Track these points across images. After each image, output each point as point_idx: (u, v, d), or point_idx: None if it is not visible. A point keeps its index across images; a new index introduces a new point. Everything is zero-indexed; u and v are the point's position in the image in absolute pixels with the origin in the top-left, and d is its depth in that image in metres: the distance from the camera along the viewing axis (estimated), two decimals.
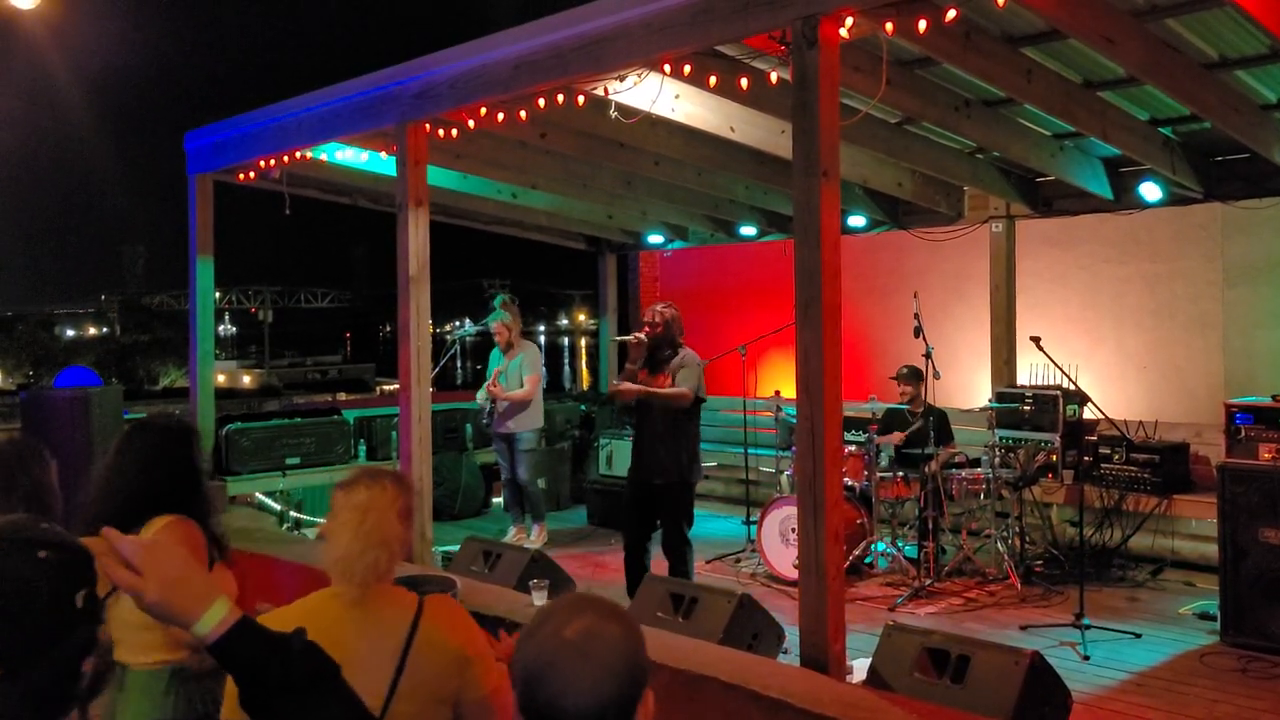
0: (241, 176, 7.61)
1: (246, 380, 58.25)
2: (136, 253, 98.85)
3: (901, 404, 7.37)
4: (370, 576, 2.24)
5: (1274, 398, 5.58)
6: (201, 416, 7.79)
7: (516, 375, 7.94)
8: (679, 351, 5.89)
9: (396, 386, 6.12)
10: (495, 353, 8.16)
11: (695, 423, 5.95)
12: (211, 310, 8.04)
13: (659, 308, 5.96)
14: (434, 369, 6.61)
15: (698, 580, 5.92)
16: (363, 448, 8.97)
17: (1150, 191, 7.38)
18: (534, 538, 8.00)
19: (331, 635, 2.14)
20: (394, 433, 8.61)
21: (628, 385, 5.82)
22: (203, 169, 7.68)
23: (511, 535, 8.13)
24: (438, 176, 7.63)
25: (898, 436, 7.14)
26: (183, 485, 2.87)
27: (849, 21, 4.05)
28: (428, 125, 5.91)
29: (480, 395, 8.18)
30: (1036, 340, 6.02)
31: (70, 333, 68.44)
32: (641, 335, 5.86)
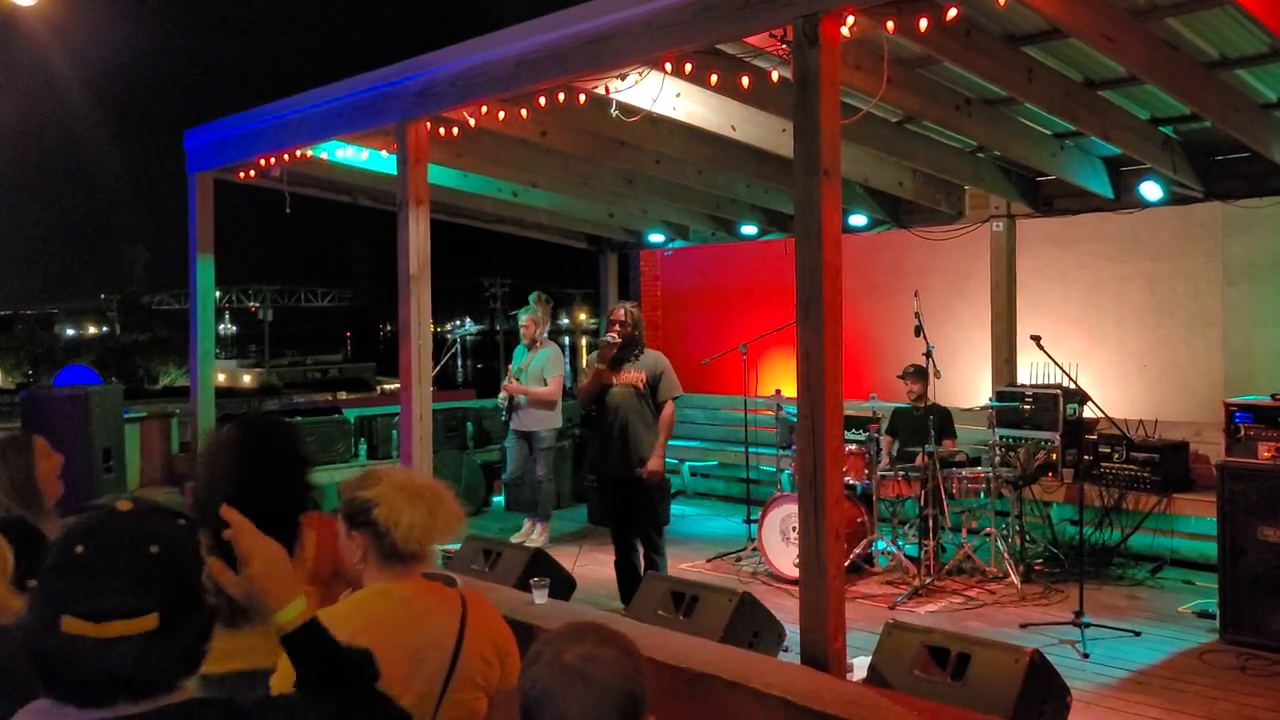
0: (242, 175, 7.61)
1: (247, 379, 58.23)
2: (136, 252, 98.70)
3: (907, 403, 7.40)
4: (446, 536, 2.33)
5: (1274, 396, 5.58)
6: (201, 416, 7.79)
7: (538, 373, 7.99)
8: (643, 350, 5.96)
9: (397, 385, 6.12)
10: (519, 350, 8.22)
11: None
12: (212, 309, 8.04)
13: (628, 306, 6.05)
14: (434, 368, 6.62)
15: (698, 579, 5.92)
16: (363, 446, 8.98)
17: (1151, 190, 7.38)
18: (536, 536, 8.02)
19: (395, 627, 2.22)
20: (395, 431, 8.62)
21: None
22: (203, 167, 7.68)
23: (524, 531, 8.18)
24: (438, 175, 7.63)
25: (888, 443, 7.14)
26: (298, 479, 2.88)
27: (850, 20, 4.06)
28: (429, 123, 5.91)
29: (501, 396, 8.26)
30: (1037, 339, 6.02)
31: (70, 331, 68.37)
32: (614, 336, 5.88)
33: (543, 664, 1.41)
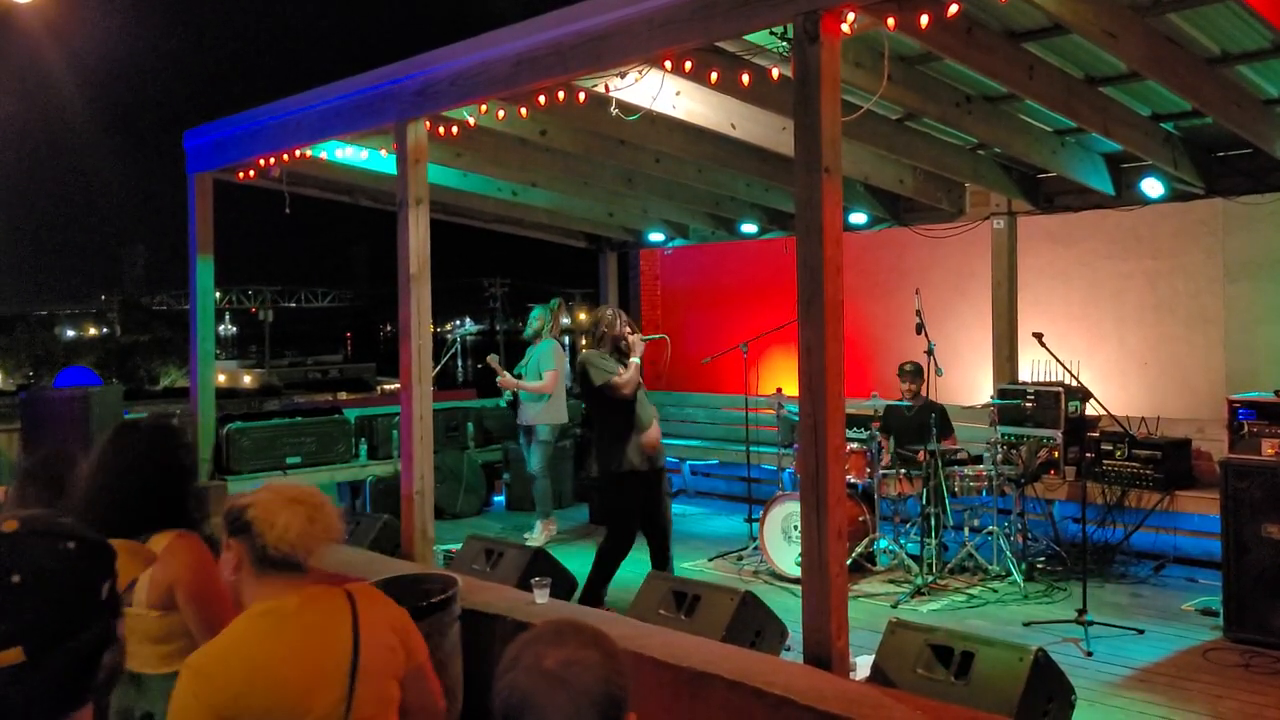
0: (241, 175, 7.60)
1: (247, 380, 58.26)
2: (136, 253, 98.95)
3: (901, 400, 7.38)
4: (321, 541, 2.28)
5: (1276, 393, 5.57)
6: (202, 416, 7.78)
7: (535, 368, 8.13)
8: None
9: (397, 385, 6.11)
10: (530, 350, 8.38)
11: None
12: (212, 310, 8.03)
13: (620, 312, 6.21)
14: (435, 368, 6.61)
15: (699, 578, 5.91)
16: (364, 447, 8.97)
17: (1152, 187, 7.37)
18: (537, 532, 8.04)
19: (280, 650, 2.16)
20: (395, 431, 8.61)
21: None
22: (202, 168, 7.67)
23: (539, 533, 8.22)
24: (438, 174, 7.62)
25: (885, 443, 7.15)
26: (171, 489, 2.84)
27: (850, 17, 4.04)
28: (428, 123, 5.90)
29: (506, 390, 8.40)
30: (1039, 336, 6.01)
31: (70, 333, 68.42)
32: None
33: (521, 669, 1.38)
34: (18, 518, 1.37)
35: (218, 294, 8.77)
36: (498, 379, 8.15)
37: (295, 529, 2.24)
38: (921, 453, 6.65)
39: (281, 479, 2.57)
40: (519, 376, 8.19)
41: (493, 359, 8.28)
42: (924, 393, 7.31)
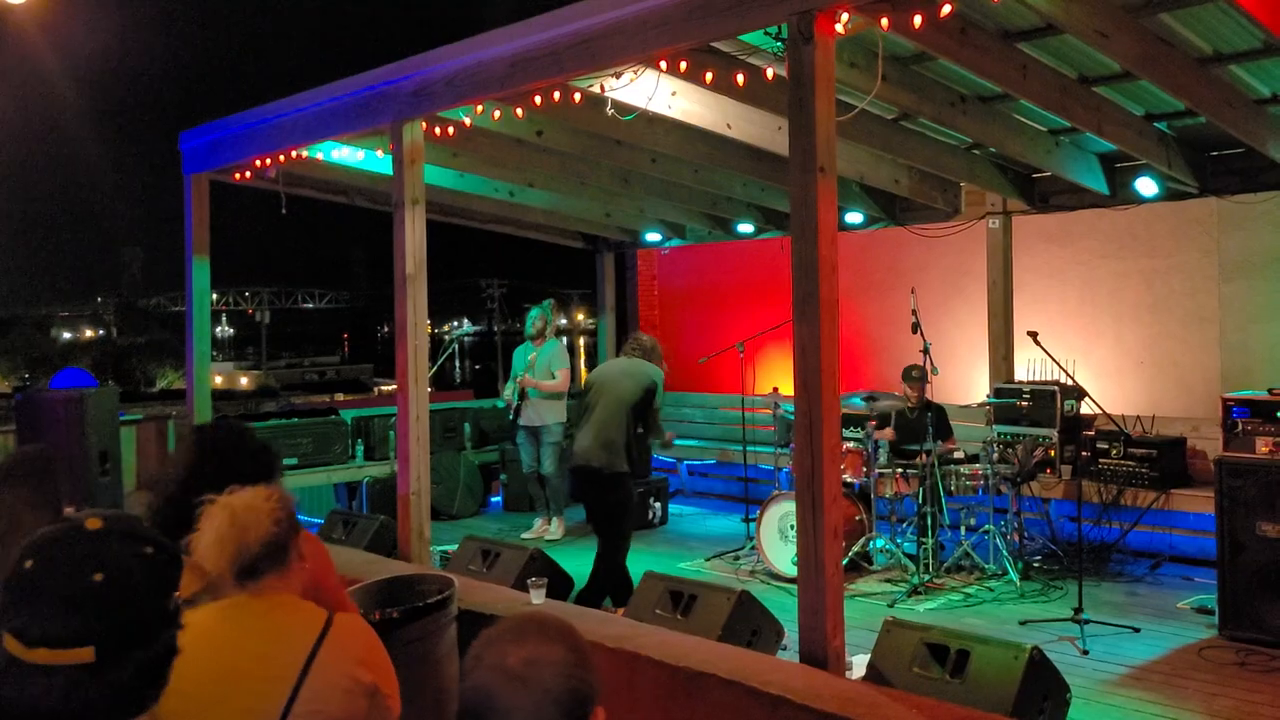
0: (237, 176, 7.60)
1: (244, 381, 58.26)
2: (133, 254, 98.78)
3: (898, 402, 7.38)
4: (233, 567, 2.14)
5: (1270, 391, 5.58)
6: (198, 418, 7.78)
7: (545, 368, 8.15)
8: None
9: (395, 387, 6.12)
10: (519, 352, 8.40)
11: None
12: (208, 311, 8.03)
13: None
14: (432, 368, 6.62)
15: (696, 577, 5.91)
16: (360, 448, 8.97)
17: (1146, 187, 7.38)
18: (555, 529, 8.11)
19: (224, 646, 2.06)
20: (392, 432, 8.61)
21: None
22: (198, 169, 7.68)
23: (537, 528, 8.23)
24: (434, 175, 7.62)
25: (888, 433, 7.17)
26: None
27: (844, 17, 4.05)
28: (424, 123, 5.90)
29: (507, 390, 8.38)
30: (1034, 335, 6.03)
31: (66, 335, 68.33)
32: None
33: (484, 668, 1.37)
34: (102, 516, 1.36)
35: (214, 295, 8.72)
36: (518, 379, 8.14)
37: (206, 549, 2.14)
38: (922, 455, 6.64)
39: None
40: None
41: (521, 379, 8.18)
42: (924, 395, 7.30)
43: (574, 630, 1.44)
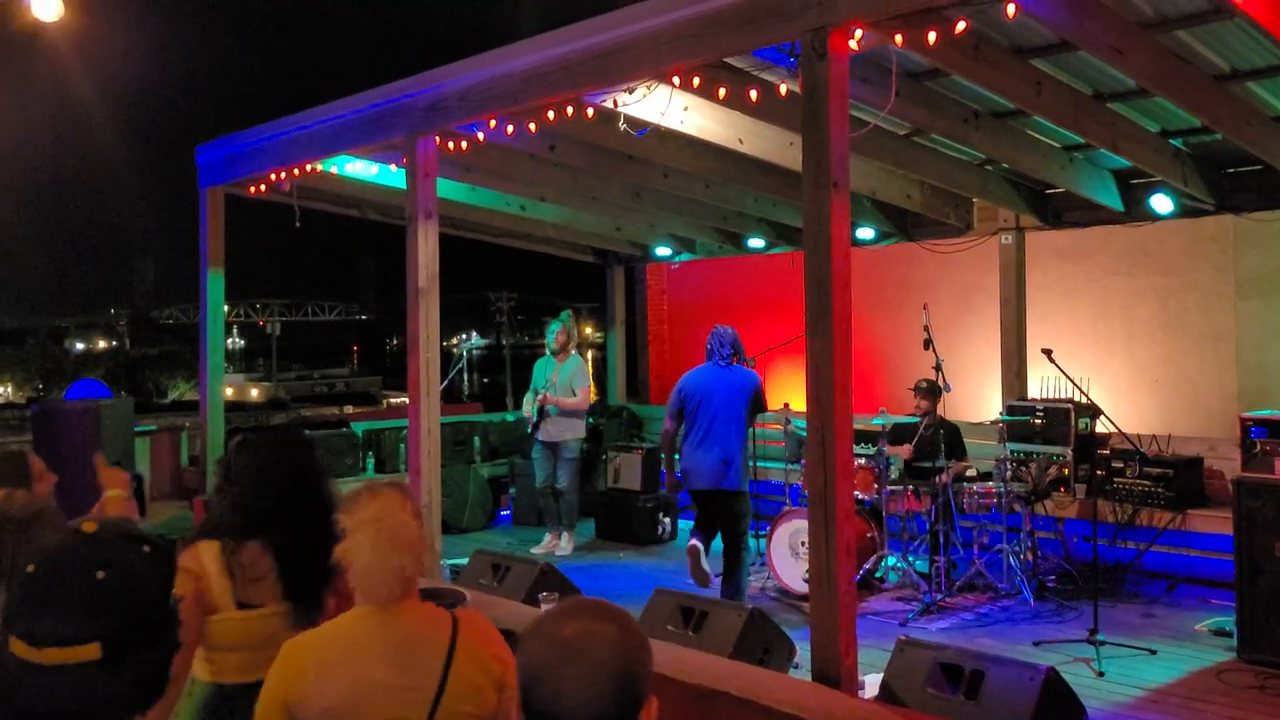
0: (252, 189, 7.64)
1: (254, 393, 58.42)
2: (146, 266, 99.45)
3: (912, 417, 7.34)
4: (397, 587, 2.17)
5: None
6: (210, 429, 7.80)
7: (566, 384, 8.13)
8: None
9: (404, 399, 6.11)
10: (540, 365, 8.37)
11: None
12: (221, 323, 8.06)
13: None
14: (442, 382, 6.61)
15: (707, 594, 5.88)
16: (371, 460, 8.96)
17: (1161, 203, 7.35)
18: (564, 545, 8.13)
19: (363, 659, 2.12)
20: (402, 445, 8.61)
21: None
22: (214, 182, 7.72)
23: (547, 542, 8.20)
24: (447, 189, 7.64)
25: (906, 449, 7.13)
26: (308, 491, 2.79)
27: (858, 33, 4.04)
28: (437, 138, 5.92)
29: (526, 404, 8.33)
30: (1048, 353, 5.99)
31: (80, 346, 68.65)
32: None
33: (539, 639, 1.38)
34: (96, 520, 1.40)
35: (226, 307, 8.74)
36: (538, 394, 8.11)
37: (367, 574, 2.15)
38: (940, 476, 6.55)
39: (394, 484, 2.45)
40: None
41: (542, 396, 8.16)
42: (938, 411, 7.23)
43: (631, 617, 1.45)
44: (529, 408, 8.26)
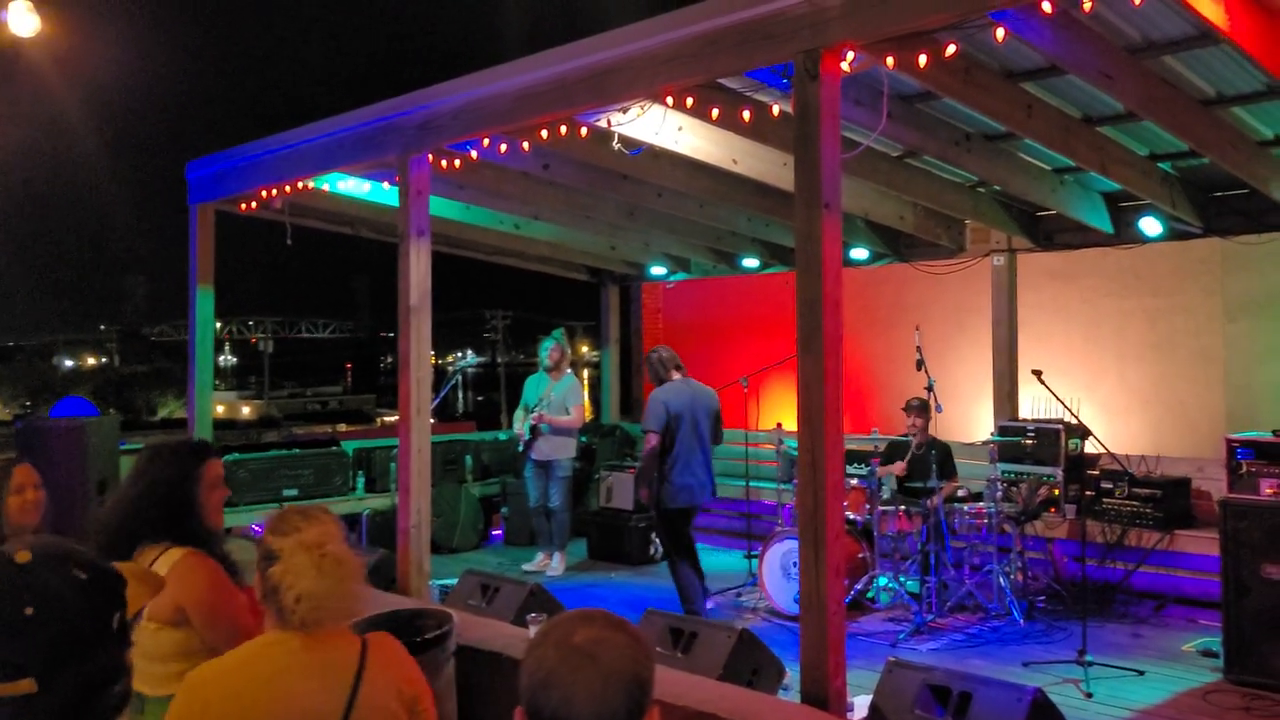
0: (243, 206, 7.63)
1: (246, 411, 58.16)
2: (136, 283, 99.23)
3: (905, 436, 7.35)
4: (345, 615, 2.15)
5: (1275, 433, 5.55)
6: None
7: (560, 402, 8.13)
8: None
9: (396, 418, 6.10)
10: (531, 381, 8.39)
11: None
12: (211, 340, 8.03)
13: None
14: (435, 400, 6.60)
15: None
16: (361, 479, 8.93)
17: (1150, 226, 7.40)
18: (556, 565, 8.10)
19: (278, 683, 2.10)
20: (393, 464, 8.58)
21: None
22: (204, 198, 7.71)
23: (539, 561, 8.18)
24: (440, 207, 7.65)
25: (899, 467, 7.14)
26: (175, 506, 2.85)
27: (850, 55, 4.07)
28: (431, 156, 5.93)
29: (517, 421, 8.31)
30: (1038, 374, 6.01)
31: (69, 363, 68.37)
32: None
33: (549, 645, 1.38)
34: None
35: (218, 324, 8.77)
36: (531, 413, 8.11)
37: (315, 599, 2.12)
38: (933, 498, 6.56)
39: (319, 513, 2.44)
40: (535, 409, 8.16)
41: (536, 415, 8.17)
42: (930, 430, 7.26)
43: (635, 626, 1.46)
44: (520, 425, 8.24)
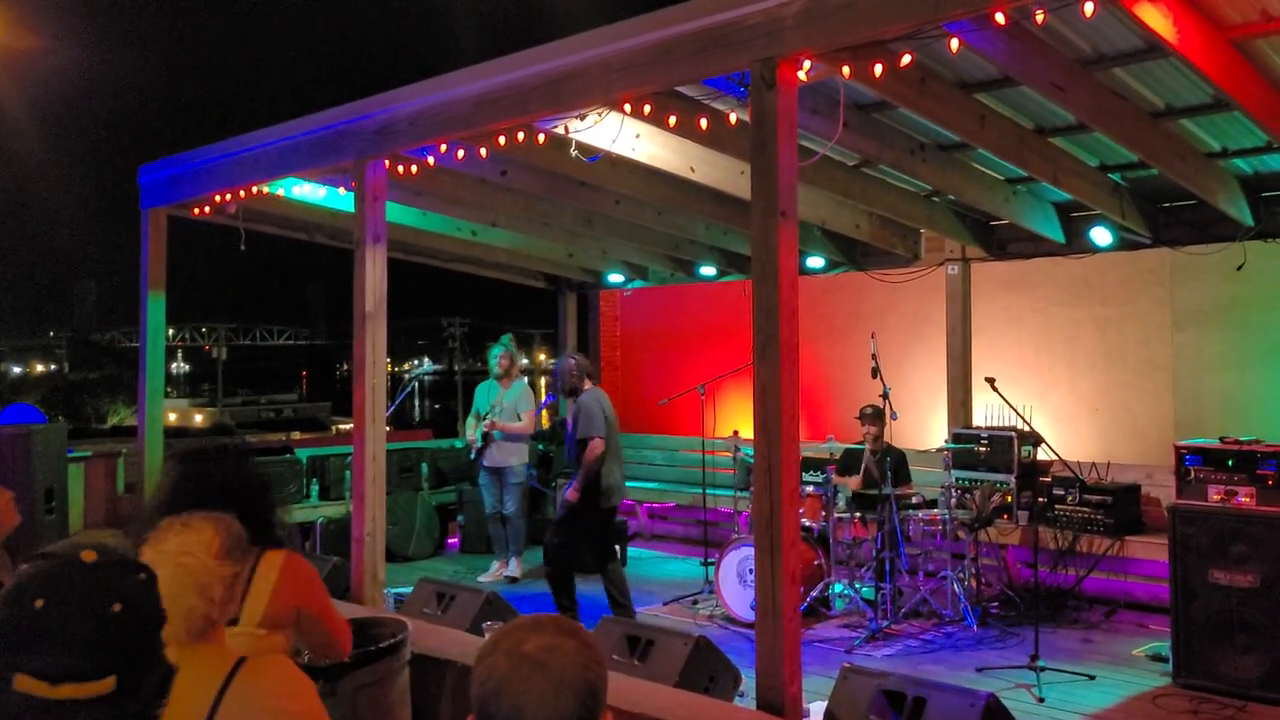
0: (196, 211, 7.52)
1: (198, 418, 57.23)
2: (87, 288, 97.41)
3: (861, 444, 7.39)
4: (183, 630, 1.98)
5: (1222, 440, 5.66)
6: (150, 456, 7.62)
7: (511, 408, 8.11)
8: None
9: (352, 425, 6.03)
10: (482, 389, 8.34)
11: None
12: (162, 347, 7.89)
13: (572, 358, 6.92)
14: (390, 407, 6.54)
15: (653, 622, 5.85)
16: (315, 487, 8.82)
17: (1101, 236, 7.52)
18: (513, 570, 8.10)
19: None
20: (348, 472, 8.49)
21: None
22: (157, 203, 7.58)
23: (494, 570, 8.13)
24: (397, 213, 7.59)
25: (855, 481, 7.18)
26: (257, 507, 2.72)
27: (806, 64, 4.10)
28: (387, 161, 5.88)
29: (469, 428, 8.27)
30: (991, 381, 6.07)
31: (16, 369, 66.88)
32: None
33: (500, 654, 1.37)
34: (94, 548, 1.39)
35: (170, 331, 8.64)
36: (472, 422, 8.08)
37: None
38: (887, 501, 6.61)
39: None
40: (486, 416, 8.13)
41: (488, 422, 8.12)
42: (885, 437, 7.31)
43: (589, 633, 1.45)
44: (472, 432, 8.21)
